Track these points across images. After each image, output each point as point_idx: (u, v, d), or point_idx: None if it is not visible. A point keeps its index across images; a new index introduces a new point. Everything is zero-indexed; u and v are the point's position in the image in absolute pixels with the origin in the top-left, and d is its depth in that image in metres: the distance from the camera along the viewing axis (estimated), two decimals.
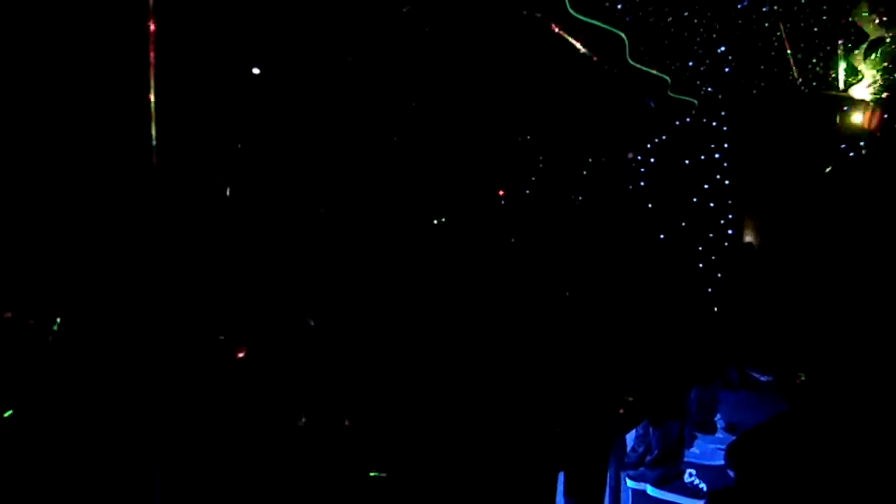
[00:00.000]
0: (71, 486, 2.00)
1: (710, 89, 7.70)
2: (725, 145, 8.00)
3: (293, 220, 2.98)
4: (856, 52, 7.99)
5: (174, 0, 2.05)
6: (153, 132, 1.84)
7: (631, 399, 4.10)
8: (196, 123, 2.32)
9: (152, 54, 1.83)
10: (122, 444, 2.06)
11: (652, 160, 7.60)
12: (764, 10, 7.39)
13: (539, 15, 4.47)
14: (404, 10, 3.21)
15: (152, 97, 1.82)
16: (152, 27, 1.83)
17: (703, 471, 5.14)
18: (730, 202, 8.04)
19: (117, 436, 2.06)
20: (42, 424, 1.99)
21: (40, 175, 1.93)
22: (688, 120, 7.69)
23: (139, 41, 1.84)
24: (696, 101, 7.43)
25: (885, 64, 7.91)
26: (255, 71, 2.79)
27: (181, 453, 2.23)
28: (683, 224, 7.69)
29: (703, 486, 4.94)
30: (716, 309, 7.54)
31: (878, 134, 7.73)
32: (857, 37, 7.83)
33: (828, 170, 7.84)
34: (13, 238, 1.92)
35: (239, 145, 2.70)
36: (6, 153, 1.88)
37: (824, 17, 7.73)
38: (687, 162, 7.84)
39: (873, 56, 7.92)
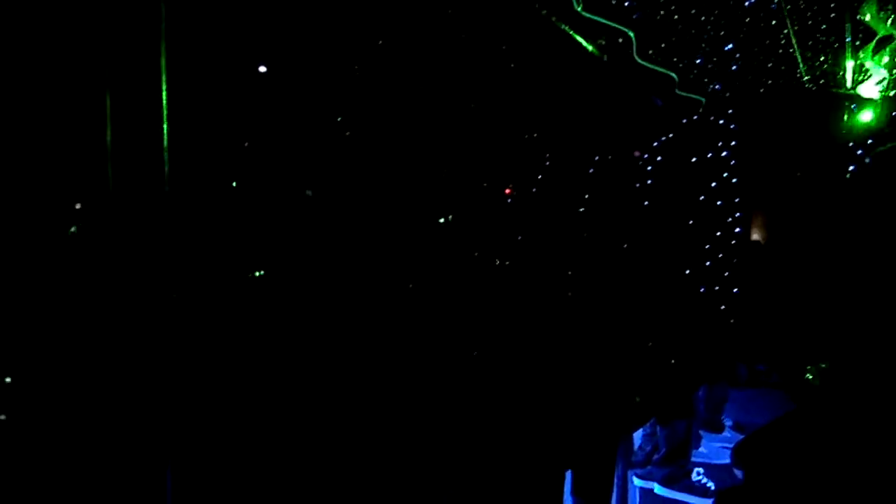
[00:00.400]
0: (76, 487, 2.00)
1: (717, 87, 7.67)
2: (733, 143, 7.97)
3: (299, 219, 2.98)
4: (864, 49, 7.96)
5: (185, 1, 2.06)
6: (164, 129, 1.85)
7: (638, 397, 4.09)
8: (206, 121, 2.32)
9: (164, 53, 1.84)
10: (129, 444, 2.06)
11: (659, 158, 7.58)
12: (772, 7, 7.37)
13: (545, 12, 4.46)
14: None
15: (164, 96, 1.83)
16: (163, 27, 1.84)
17: (711, 470, 5.13)
18: (737, 200, 8.01)
19: (125, 436, 2.06)
20: (45, 424, 1.99)
21: (50, 174, 1.94)
22: (695, 118, 7.66)
23: (151, 40, 1.85)
24: (703, 99, 7.40)
25: (894, 62, 7.88)
26: (262, 69, 2.78)
27: (188, 454, 2.24)
28: (691, 222, 7.67)
29: (710, 485, 4.93)
30: (723, 307, 7.52)
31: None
32: (865, 34, 7.81)
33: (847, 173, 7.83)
34: (24, 238, 1.93)
35: (246, 143, 2.70)
36: (16, 154, 1.88)
37: (832, 15, 7.71)
38: (694, 160, 7.82)
39: (882, 54, 7.89)
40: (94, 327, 2.04)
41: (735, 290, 7.65)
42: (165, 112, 1.85)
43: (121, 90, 1.86)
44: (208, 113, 2.33)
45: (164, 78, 1.84)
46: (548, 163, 5.62)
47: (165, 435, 2.12)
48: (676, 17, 6.57)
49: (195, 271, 2.34)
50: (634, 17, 5.69)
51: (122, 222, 2.00)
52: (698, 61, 7.25)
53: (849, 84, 8.23)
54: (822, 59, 8.13)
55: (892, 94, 8.14)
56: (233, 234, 2.61)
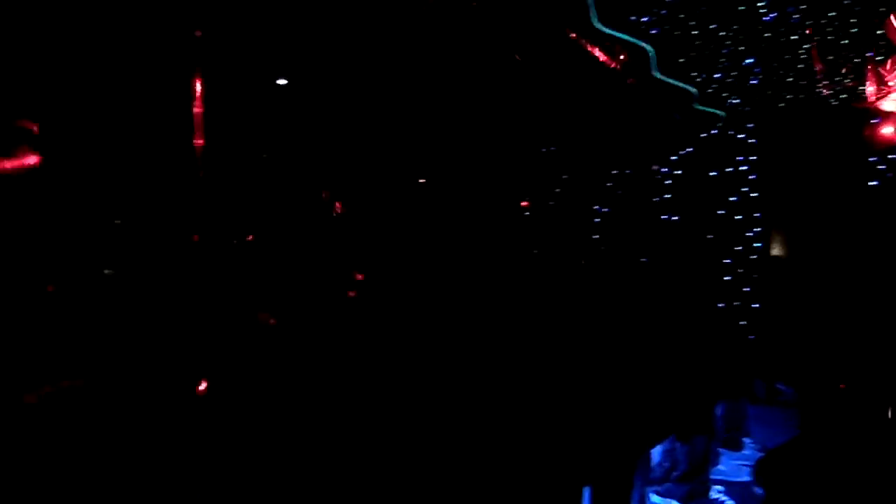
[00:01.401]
0: (77, 487, 2.02)
1: (736, 101, 7.64)
2: (752, 158, 7.93)
3: (320, 227, 3.00)
4: (885, 64, 7.90)
5: (213, 19, 2.09)
6: (197, 141, 1.88)
7: (657, 414, 4.07)
8: (235, 131, 2.35)
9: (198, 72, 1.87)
10: (128, 443, 2.08)
11: (678, 172, 7.56)
12: (792, 21, 7.34)
13: (565, 28, 4.48)
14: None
15: (198, 108, 1.86)
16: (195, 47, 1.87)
17: (730, 487, 5.07)
18: (756, 215, 7.96)
19: (124, 436, 2.08)
20: (47, 424, 2.01)
21: (89, 176, 1.97)
22: (714, 132, 7.64)
23: (186, 57, 1.88)
24: (722, 114, 7.38)
25: None
26: (282, 81, 2.82)
27: (186, 453, 2.25)
28: (710, 237, 7.63)
29: (730, 503, 4.88)
30: (742, 323, 7.45)
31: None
32: (886, 49, 7.75)
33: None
34: (63, 235, 1.96)
35: (265, 155, 2.74)
36: (61, 157, 1.92)
37: (853, 30, 7.66)
38: (713, 174, 7.79)
39: None
40: (96, 336, 2.06)
41: (754, 306, 7.59)
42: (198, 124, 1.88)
43: (157, 105, 1.90)
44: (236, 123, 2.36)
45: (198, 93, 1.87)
46: (565, 176, 5.62)
47: (171, 440, 2.13)
48: (696, 32, 6.57)
49: (201, 282, 2.37)
50: (653, 32, 5.70)
51: (140, 230, 2.03)
52: (717, 76, 7.23)
53: (869, 98, 8.16)
54: (842, 73, 8.08)
55: None
56: (245, 244, 2.64)
